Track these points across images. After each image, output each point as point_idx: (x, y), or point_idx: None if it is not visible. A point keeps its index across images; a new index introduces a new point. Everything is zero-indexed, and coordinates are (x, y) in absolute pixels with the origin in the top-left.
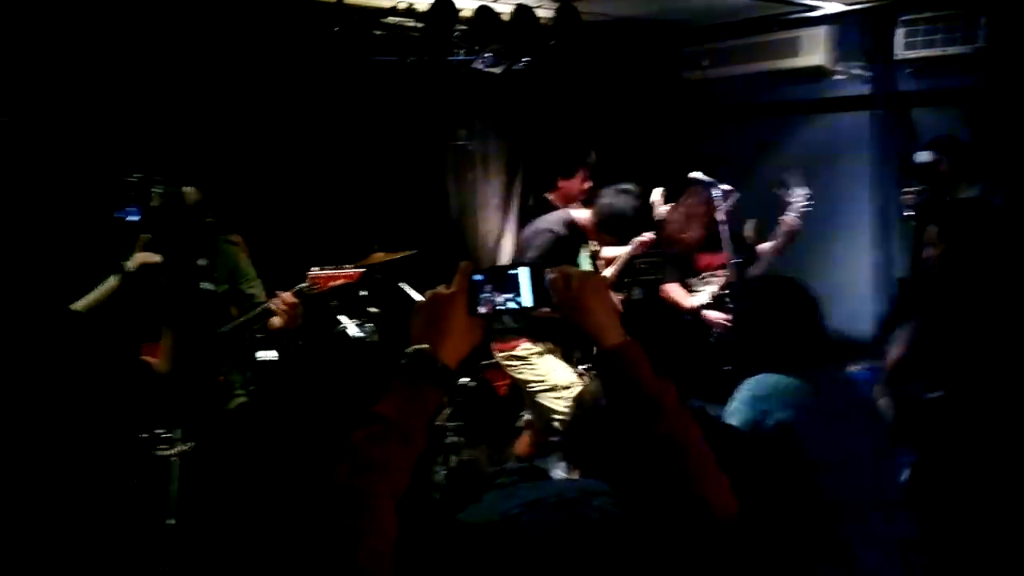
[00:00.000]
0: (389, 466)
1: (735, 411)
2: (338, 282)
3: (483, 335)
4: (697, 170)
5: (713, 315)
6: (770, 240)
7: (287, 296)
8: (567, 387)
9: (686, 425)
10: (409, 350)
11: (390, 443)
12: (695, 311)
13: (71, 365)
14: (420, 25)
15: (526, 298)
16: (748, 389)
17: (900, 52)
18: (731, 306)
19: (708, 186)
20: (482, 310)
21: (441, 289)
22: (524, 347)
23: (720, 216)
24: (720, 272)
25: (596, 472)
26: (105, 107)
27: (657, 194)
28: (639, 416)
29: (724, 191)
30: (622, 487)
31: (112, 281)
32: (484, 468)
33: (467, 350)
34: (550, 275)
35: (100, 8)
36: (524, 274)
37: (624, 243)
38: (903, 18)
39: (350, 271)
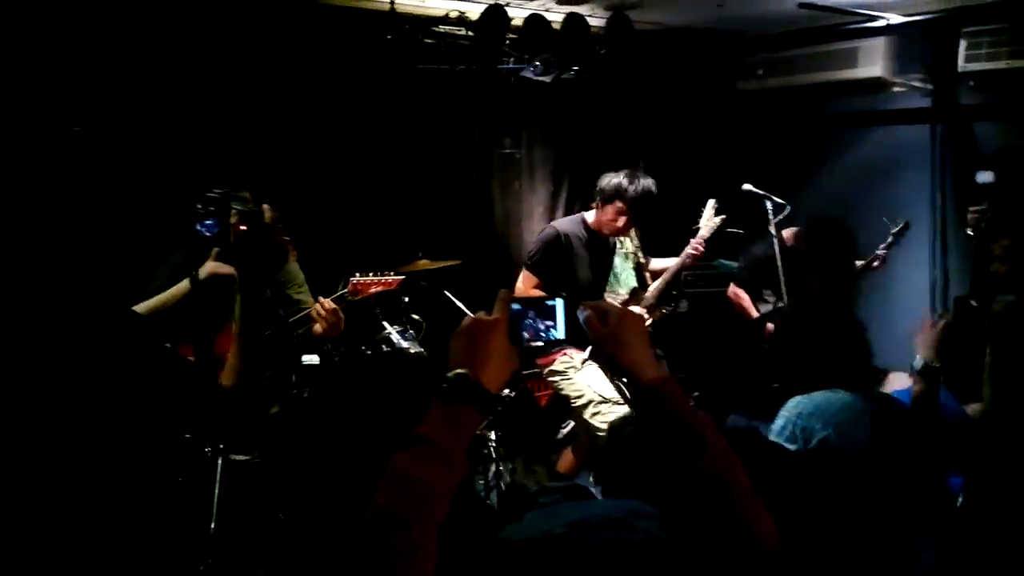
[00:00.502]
0: (431, 491)
1: (780, 429)
2: (378, 289)
3: (520, 363)
4: (749, 182)
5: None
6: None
7: (327, 303)
8: (605, 402)
9: (729, 458)
10: (450, 374)
11: (432, 466)
12: (759, 321)
13: (130, 366)
14: (470, 34)
15: (560, 329)
16: (793, 407)
17: (963, 64)
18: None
19: (760, 199)
20: (525, 336)
21: (482, 315)
22: (562, 360)
23: (771, 229)
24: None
25: (632, 495)
26: (167, 116)
27: (710, 206)
28: (682, 452)
29: (776, 204)
30: (667, 511)
31: (184, 285)
32: (528, 486)
33: (507, 376)
34: (584, 312)
35: (174, 25)
36: (559, 306)
37: (652, 225)
38: (966, 30)
39: (390, 278)
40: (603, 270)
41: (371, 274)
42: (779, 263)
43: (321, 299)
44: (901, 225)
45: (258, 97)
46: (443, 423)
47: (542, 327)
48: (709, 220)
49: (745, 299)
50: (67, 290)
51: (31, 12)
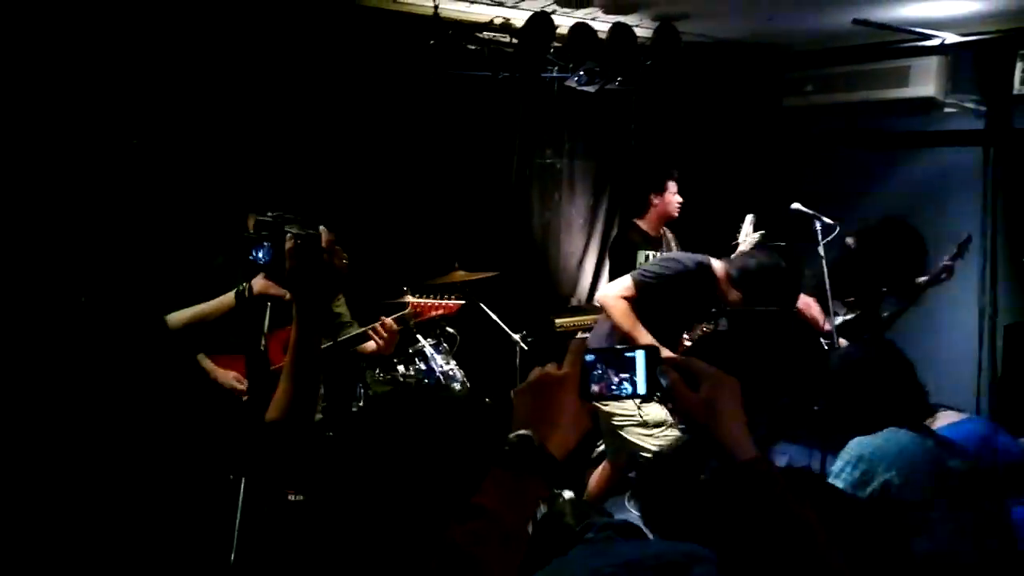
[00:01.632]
0: (492, 569)
1: (840, 470)
2: (439, 312)
3: (592, 423)
4: (796, 201)
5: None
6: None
7: (389, 323)
8: (658, 424)
9: (821, 534)
10: (513, 436)
11: (491, 542)
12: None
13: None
14: (515, 41)
15: (640, 384)
16: (855, 449)
17: (1019, 87)
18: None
19: (809, 219)
20: (595, 389)
21: (550, 369)
22: None
23: (820, 251)
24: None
25: (680, 534)
26: (210, 120)
27: (748, 221)
28: (780, 535)
29: (825, 225)
30: (725, 556)
31: (229, 299)
32: (569, 518)
33: (576, 440)
34: (669, 373)
35: (219, 33)
36: (640, 357)
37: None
38: (1023, 52)
39: (450, 302)
40: (695, 311)
41: (430, 296)
42: (827, 284)
43: (384, 319)
44: (964, 237)
45: (299, 103)
46: (503, 493)
47: (616, 380)
48: (748, 235)
49: (816, 308)
50: (101, 301)
51: (88, 29)
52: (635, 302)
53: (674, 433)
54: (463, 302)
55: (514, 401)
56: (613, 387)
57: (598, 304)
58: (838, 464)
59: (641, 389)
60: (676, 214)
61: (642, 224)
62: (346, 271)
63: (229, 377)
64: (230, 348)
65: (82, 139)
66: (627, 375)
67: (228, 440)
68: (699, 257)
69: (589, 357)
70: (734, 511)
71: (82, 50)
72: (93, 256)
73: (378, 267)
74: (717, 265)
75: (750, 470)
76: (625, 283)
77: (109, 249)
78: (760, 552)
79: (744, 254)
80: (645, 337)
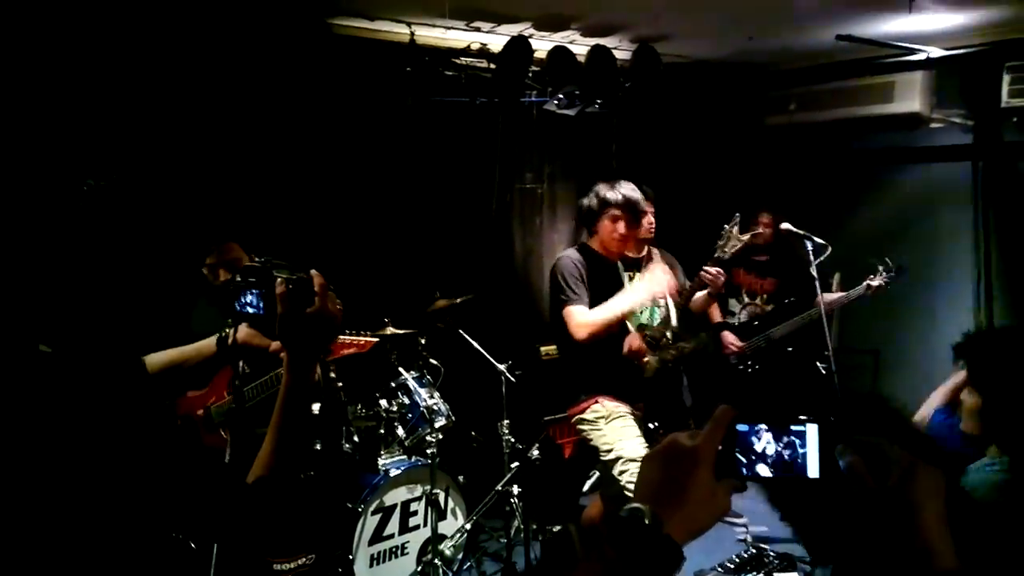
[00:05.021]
0: None
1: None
2: (350, 351)
3: (729, 505)
4: (787, 221)
5: (730, 337)
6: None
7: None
8: (633, 460)
9: None
10: (625, 509)
11: None
12: (716, 326)
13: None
14: (492, 66)
15: (812, 466)
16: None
17: (1006, 100)
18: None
19: (800, 239)
20: (747, 465)
21: (682, 438)
22: (593, 410)
23: (813, 272)
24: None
25: None
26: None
27: (735, 222)
28: None
29: (817, 245)
30: None
31: (210, 345)
32: (577, 544)
33: (708, 524)
34: (848, 456)
35: (186, 59)
36: (813, 432)
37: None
38: (1009, 64)
39: (363, 339)
40: (610, 295)
41: (345, 333)
42: (821, 305)
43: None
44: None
45: (274, 132)
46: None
47: (777, 456)
48: (733, 239)
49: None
50: (67, 348)
51: (41, 61)
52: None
53: None
54: (376, 339)
55: (640, 470)
56: (772, 464)
57: (584, 341)
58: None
59: (812, 471)
60: (651, 235)
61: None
62: (340, 317)
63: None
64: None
65: (37, 181)
66: (793, 451)
67: (207, 500)
68: (574, 249)
69: (743, 427)
70: None
71: (42, 84)
72: (53, 301)
73: (357, 299)
74: (593, 242)
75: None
76: (572, 313)
77: (70, 293)
78: None
79: (586, 198)
80: (623, 300)
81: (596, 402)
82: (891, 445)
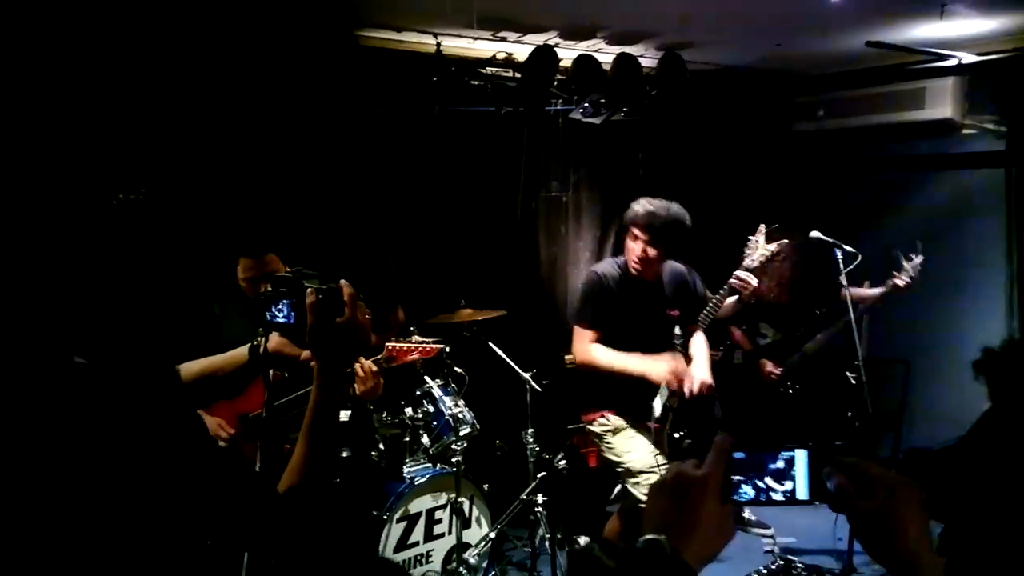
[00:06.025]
0: None
1: None
2: (414, 357)
3: (735, 530)
4: (816, 229)
5: (768, 366)
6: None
7: (368, 364)
8: (641, 472)
9: None
10: (642, 540)
11: None
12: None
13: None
14: (518, 75)
15: (800, 489)
16: None
17: None
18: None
19: (829, 248)
20: (744, 491)
21: (688, 468)
22: (601, 423)
23: (842, 280)
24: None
25: None
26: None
27: (760, 232)
28: None
29: (847, 253)
30: None
31: (242, 354)
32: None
33: (719, 548)
34: (835, 477)
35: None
36: (801, 457)
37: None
38: None
39: (427, 346)
40: (645, 315)
41: (410, 339)
42: (851, 315)
43: (362, 359)
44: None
45: (303, 143)
46: None
47: (770, 482)
48: (761, 248)
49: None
50: (102, 359)
51: (72, 74)
52: (603, 340)
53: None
54: (441, 346)
55: (648, 502)
56: (766, 489)
57: (578, 365)
58: None
59: (802, 494)
60: (637, 268)
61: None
62: (370, 328)
63: (212, 423)
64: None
65: (69, 194)
66: (784, 477)
67: (239, 509)
68: (611, 260)
69: (739, 455)
70: None
71: (73, 97)
72: (87, 314)
73: (384, 307)
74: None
75: None
76: (577, 334)
77: (104, 305)
78: None
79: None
80: (635, 363)
81: (603, 416)
82: (872, 464)
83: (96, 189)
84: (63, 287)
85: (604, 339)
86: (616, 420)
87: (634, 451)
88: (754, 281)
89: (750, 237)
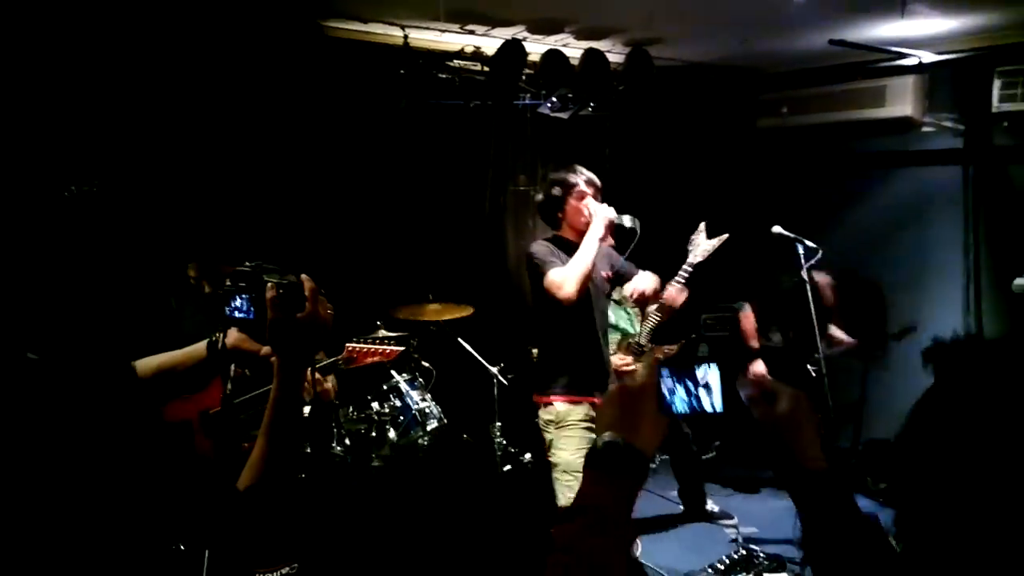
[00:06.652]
0: (607, 562)
1: None
2: (375, 359)
3: (663, 433)
4: (778, 224)
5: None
6: None
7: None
8: (567, 472)
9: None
10: (600, 440)
11: (601, 535)
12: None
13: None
14: (486, 69)
15: (716, 400)
16: None
17: (997, 105)
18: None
19: (792, 242)
20: (670, 403)
21: (628, 382)
22: (546, 410)
23: (803, 275)
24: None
25: None
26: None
27: (700, 230)
28: (842, 537)
29: (808, 248)
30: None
31: (200, 349)
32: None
33: (658, 442)
34: (747, 389)
35: (177, 61)
36: (714, 371)
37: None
38: (1000, 69)
39: (387, 348)
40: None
41: (369, 341)
42: (812, 308)
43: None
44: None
45: (265, 133)
46: (604, 490)
47: (694, 395)
48: (702, 244)
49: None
50: (56, 355)
51: (25, 65)
52: (556, 304)
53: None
54: (401, 348)
55: (598, 412)
56: (692, 402)
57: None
58: None
59: (718, 405)
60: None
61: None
62: (331, 322)
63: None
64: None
65: (20, 187)
66: (702, 392)
67: (196, 506)
68: (545, 239)
69: (663, 371)
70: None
71: (26, 88)
72: (38, 309)
73: (349, 301)
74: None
75: (822, 478)
76: (551, 282)
77: (56, 299)
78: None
79: (546, 188)
80: (588, 246)
81: (550, 403)
82: (773, 380)
83: (48, 181)
84: (13, 280)
85: (557, 304)
86: (563, 410)
87: (569, 449)
88: (681, 299)
89: (692, 236)
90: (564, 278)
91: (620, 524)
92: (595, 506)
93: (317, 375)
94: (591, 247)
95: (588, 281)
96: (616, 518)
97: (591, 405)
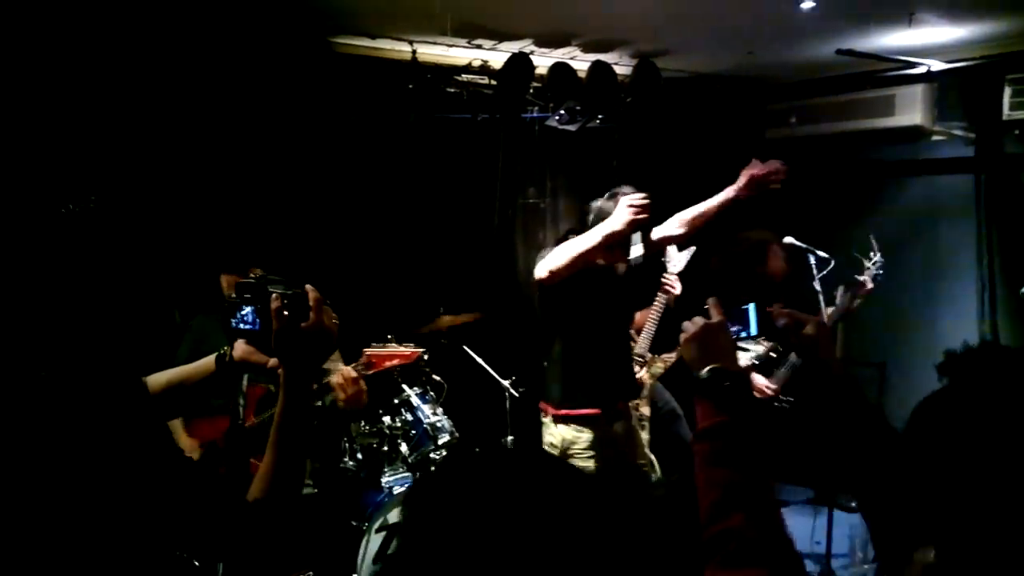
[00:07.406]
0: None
1: None
2: (394, 362)
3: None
4: (789, 235)
5: (761, 381)
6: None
7: (348, 371)
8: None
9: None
10: (704, 371)
11: (731, 450)
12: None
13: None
14: (494, 82)
15: (753, 327)
16: None
17: (1008, 112)
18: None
19: (803, 253)
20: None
21: (701, 320)
22: (548, 432)
23: (816, 286)
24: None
25: None
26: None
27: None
28: (857, 420)
29: (820, 259)
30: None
31: (209, 363)
32: None
33: (737, 361)
34: (783, 320)
35: (186, 76)
36: (752, 309)
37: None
38: (1010, 77)
39: (407, 351)
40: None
41: (387, 344)
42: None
43: (342, 367)
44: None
45: (275, 149)
46: (720, 410)
47: (735, 328)
48: (675, 256)
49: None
50: (66, 371)
51: (21, 79)
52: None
53: None
54: (421, 350)
55: (684, 348)
56: (738, 331)
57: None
58: None
59: (754, 330)
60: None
61: None
62: (336, 332)
63: (185, 444)
64: (203, 411)
65: (16, 205)
66: (742, 325)
67: (206, 519)
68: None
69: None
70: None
71: (21, 103)
72: (43, 325)
73: (362, 316)
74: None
75: (842, 380)
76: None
77: (60, 317)
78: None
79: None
80: (593, 233)
81: (555, 418)
82: (800, 313)
83: (45, 199)
84: (15, 300)
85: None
86: (568, 436)
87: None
88: (678, 288)
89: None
90: (543, 260)
91: (746, 436)
92: (722, 423)
93: (346, 379)
94: (592, 236)
95: (573, 269)
96: (740, 433)
97: (602, 418)
